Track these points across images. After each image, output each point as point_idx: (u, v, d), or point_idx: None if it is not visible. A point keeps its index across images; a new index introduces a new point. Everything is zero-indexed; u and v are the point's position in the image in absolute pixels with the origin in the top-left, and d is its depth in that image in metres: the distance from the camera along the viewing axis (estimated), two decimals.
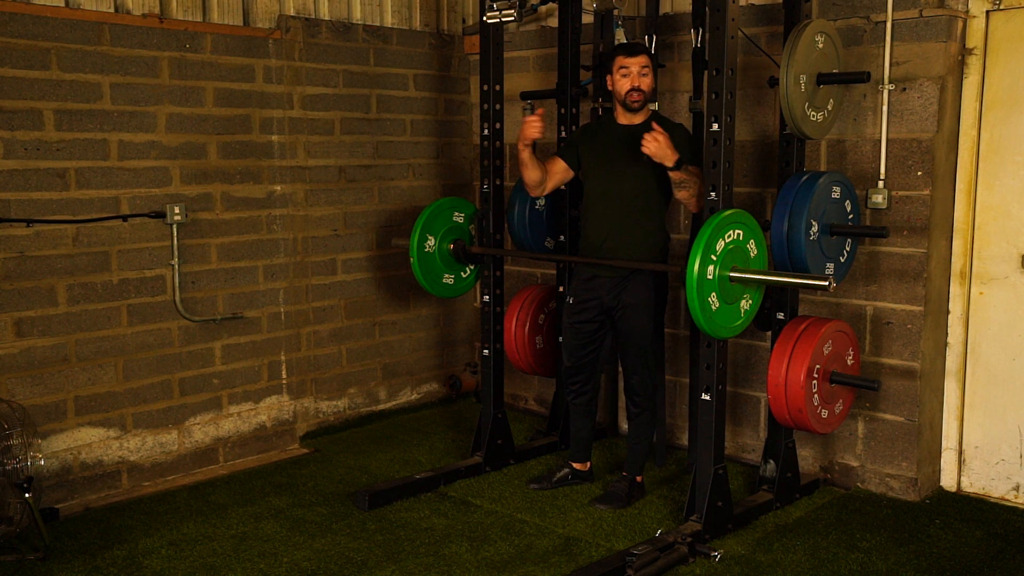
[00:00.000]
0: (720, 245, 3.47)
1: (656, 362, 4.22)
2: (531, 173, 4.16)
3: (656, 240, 4.10)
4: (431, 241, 4.63)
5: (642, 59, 3.98)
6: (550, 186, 4.27)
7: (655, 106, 4.38)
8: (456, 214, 4.70)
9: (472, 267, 4.81)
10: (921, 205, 4.06)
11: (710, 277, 3.45)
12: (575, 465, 4.48)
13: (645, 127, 3.97)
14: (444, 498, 4.31)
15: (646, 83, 4.00)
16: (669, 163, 3.79)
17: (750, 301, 3.69)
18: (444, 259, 4.69)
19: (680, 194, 3.93)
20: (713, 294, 3.48)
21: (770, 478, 4.14)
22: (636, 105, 4.02)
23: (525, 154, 4.09)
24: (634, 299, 4.08)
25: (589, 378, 4.34)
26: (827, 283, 3.37)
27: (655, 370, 4.22)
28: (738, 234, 3.55)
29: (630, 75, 3.98)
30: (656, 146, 3.75)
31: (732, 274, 3.52)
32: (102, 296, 4.32)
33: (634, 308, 4.09)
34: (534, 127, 4.00)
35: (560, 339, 4.84)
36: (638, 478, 4.28)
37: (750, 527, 3.95)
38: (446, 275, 4.73)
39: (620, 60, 4.01)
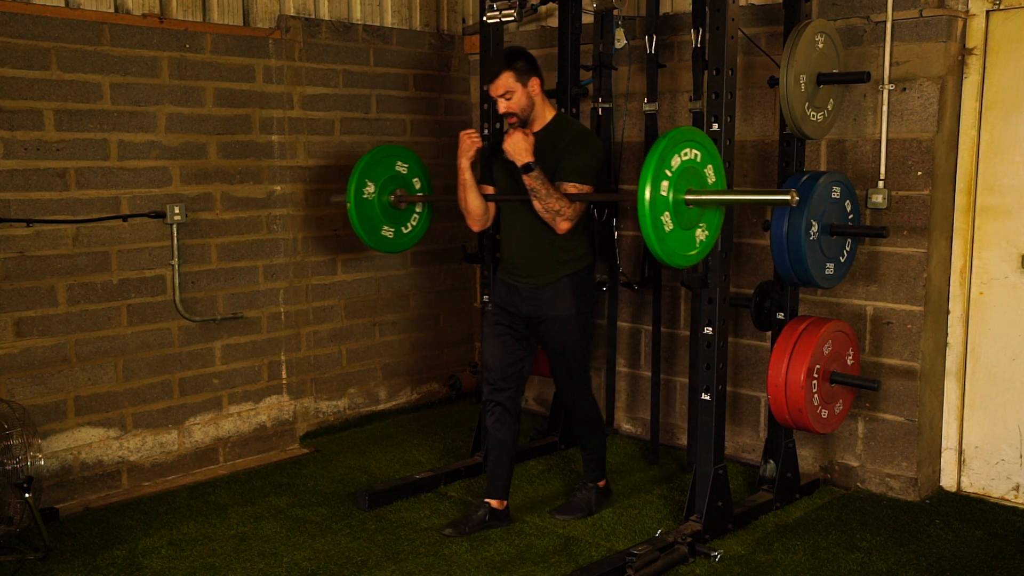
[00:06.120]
0: (676, 162, 3.23)
1: (585, 372, 3.99)
2: (475, 200, 3.88)
3: (569, 249, 3.78)
4: (371, 188, 4.40)
5: (499, 85, 3.66)
6: (492, 215, 3.99)
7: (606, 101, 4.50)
8: (399, 164, 4.51)
9: (414, 223, 4.61)
10: (921, 205, 4.06)
11: (664, 194, 3.19)
12: (491, 502, 3.95)
13: (545, 134, 3.73)
14: (444, 498, 4.31)
15: (515, 104, 3.68)
16: (518, 163, 3.58)
17: (707, 232, 3.43)
18: (384, 210, 4.48)
19: (535, 204, 3.62)
20: (667, 214, 3.22)
21: (770, 478, 4.14)
22: (514, 123, 3.72)
23: (467, 175, 3.83)
24: (554, 310, 3.79)
25: (512, 397, 3.91)
26: (789, 196, 3.21)
27: (587, 381, 4.02)
28: (695, 154, 3.30)
29: (499, 103, 3.71)
30: (510, 144, 3.60)
31: (688, 197, 3.28)
32: (102, 296, 4.32)
33: (556, 321, 3.80)
34: (473, 138, 3.79)
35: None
36: (600, 483, 4.15)
37: (750, 527, 3.95)
38: (385, 227, 4.51)
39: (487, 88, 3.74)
